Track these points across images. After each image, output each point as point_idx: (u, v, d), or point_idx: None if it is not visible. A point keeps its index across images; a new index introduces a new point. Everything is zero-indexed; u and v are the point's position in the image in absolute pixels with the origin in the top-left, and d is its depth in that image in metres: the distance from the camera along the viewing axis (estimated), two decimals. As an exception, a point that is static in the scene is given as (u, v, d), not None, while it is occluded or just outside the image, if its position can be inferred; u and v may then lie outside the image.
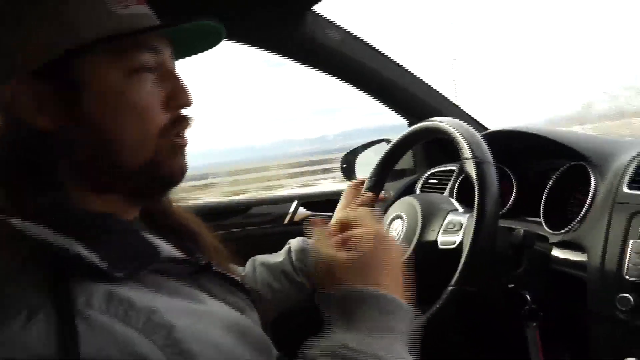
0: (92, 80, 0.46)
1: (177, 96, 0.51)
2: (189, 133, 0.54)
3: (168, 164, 0.51)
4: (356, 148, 1.50)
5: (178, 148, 0.53)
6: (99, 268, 0.40)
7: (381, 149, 1.02)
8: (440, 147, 1.35)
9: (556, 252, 0.78)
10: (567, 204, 0.86)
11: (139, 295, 0.41)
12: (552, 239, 0.80)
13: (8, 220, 0.39)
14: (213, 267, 0.55)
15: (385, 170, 0.99)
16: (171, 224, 0.60)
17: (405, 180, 1.39)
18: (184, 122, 0.53)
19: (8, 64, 0.45)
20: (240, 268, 0.87)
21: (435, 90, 1.30)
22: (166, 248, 0.53)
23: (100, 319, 0.37)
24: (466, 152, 0.73)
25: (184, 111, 0.53)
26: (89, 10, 0.47)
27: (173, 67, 0.53)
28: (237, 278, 0.60)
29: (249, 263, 0.90)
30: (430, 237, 0.77)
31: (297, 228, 1.03)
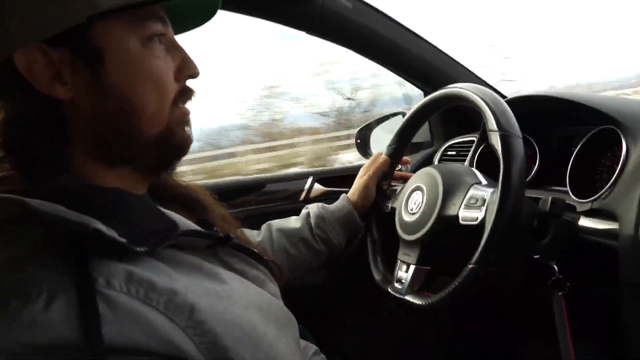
0: (112, 48, 0.46)
1: (185, 67, 0.52)
2: (191, 104, 0.55)
3: (179, 133, 0.52)
4: (370, 122, 1.47)
5: (186, 120, 0.54)
6: (118, 244, 0.40)
7: (397, 123, 0.99)
8: (457, 118, 1.31)
9: (584, 221, 0.75)
10: (594, 171, 0.82)
11: (159, 276, 0.41)
12: (580, 208, 0.77)
13: (24, 200, 0.38)
14: (232, 239, 0.55)
15: (404, 139, 0.96)
16: (179, 197, 0.60)
17: (423, 153, 1.36)
18: (190, 92, 0.54)
19: (26, 28, 0.44)
20: (254, 233, 0.86)
21: (452, 59, 1.25)
22: (183, 221, 0.53)
23: (121, 300, 0.37)
24: (492, 124, 0.69)
25: (189, 82, 0.54)
26: None
27: (176, 40, 0.53)
28: (256, 250, 0.60)
29: (264, 228, 0.90)
30: (451, 211, 0.75)
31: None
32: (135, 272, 0.39)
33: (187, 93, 0.53)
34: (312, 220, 0.90)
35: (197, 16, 0.57)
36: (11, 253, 0.37)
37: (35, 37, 0.44)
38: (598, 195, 0.74)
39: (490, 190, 0.72)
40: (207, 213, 0.62)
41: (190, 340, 0.39)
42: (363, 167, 0.98)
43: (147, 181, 0.55)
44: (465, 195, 0.74)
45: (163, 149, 0.51)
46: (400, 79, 1.30)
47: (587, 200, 0.76)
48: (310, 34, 1.11)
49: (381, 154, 0.99)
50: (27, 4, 0.43)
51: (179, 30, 0.56)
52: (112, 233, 0.40)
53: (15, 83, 0.44)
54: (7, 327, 0.34)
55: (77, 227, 0.38)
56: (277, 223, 0.91)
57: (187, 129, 0.54)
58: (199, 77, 0.54)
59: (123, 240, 0.40)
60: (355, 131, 1.46)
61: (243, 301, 0.48)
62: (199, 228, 0.54)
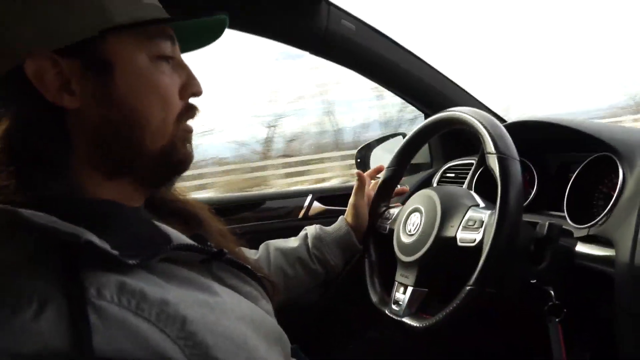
0: (122, 62, 0.48)
1: (190, 85, 0.54)
2: (194, 122, 0.56)
3: (181, 150, 0.53)
4: (370, 142, 1.48)
5: (189, 137, 0.55)
6: (110, 256, 0.39)
7: (397, 144, 1.00)
8: (457, 140, 1.32)
9: (581, 247, 0.75)
10: (592, 197, 0.83)
11: (150, 287, 0.41)
12: (577, 233, 0.77)
13: (16, 210, 0.38)
14: (225, 254, 0.55)
15: (403, 160, 0.97)
16: (176, 211, 0.61)
17: (422, 175, 1.36)
18: (193, 110, 0.55)
19: (39, 36, 0.45)
20: (252, 251, 0.86)
21: (452, 82, 1.27)
22: (176, 235, 0.53)
23: (112, 311, 0.37)
24: (490, 146, 0.70)
25: (192, 100, 0.55)
26: None
27: (182, 59, 0.55)
28: (249, 266, 0.60)
29: (262, 247, 0.90)
30: (449, 233, 0.75)
31: (312, 222, 1.01)
32: (127, 282, 0.39)
33: (191, 111, 0.55)
34: (310, 241, 0.90)
35: (204, 36, 0.59)
36: (1, 261, 0.37)
37: (48, 46, 0.45)
38: (595, 221, 0.74)
39: (488, 212, 0.72)
40: (204, 228, 0.62)
41: (181, 351, 0.39)
42: (356, 186, 0.98)
43: (144, 194, 0.55)
44: (463, 217, 0.74)
45: (164, 163, 0.52)
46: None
47: (584, 226, 0.76)
48: (313, 54, 1.13)
49: (378, 170, 1.00)
50: (44, 14, 0.45)
51: (185, 49, 0.57)
52: (105, 245, 0.40)
53: (22, 90, 0.45)
54: None
55: (69, 237, 0.38)
56: (275, 242, 0.91)
57: (188, 145, 0.55)
58: (202, 95, 0.55)
59: (115, 252, 0.40)
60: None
61: (235, 314, 0.47)
62: (193, 242, 0.54)
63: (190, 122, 0.55)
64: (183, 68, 0.54)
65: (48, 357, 0.34)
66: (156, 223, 0.54)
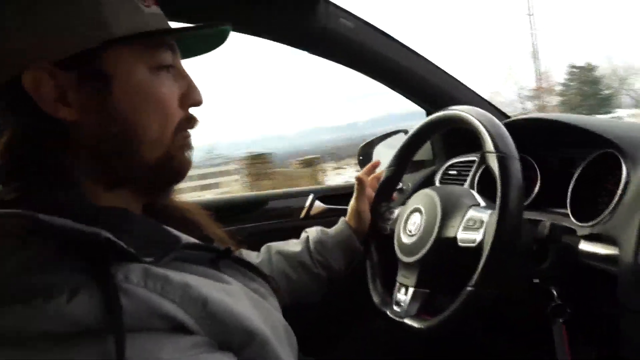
0: (120, 74, 0.47)
1: (190, 95, 0.54)
2: (193, 132, 0.56)
3: (179, 159, 0.53)
4: (373, 139, 1.47)
5: (187, 145, 0.55)
6: (129, 252, 0.41)
7: (399, 140, 0.99)
8: (460, 137, 1.30)
9: (584, 245, 0.74)
10: (595, 194, 0.82)
11: (172, 273, 0.43)
12: (580, 232, 0.76)
13: (34, 214, 0.39)
14: (232, 252, 0.56)
15: (403, 160, 0.96)
16: (175, 217, 0.61)
17: (424, 172, 1.35)
18: (193, 120, 0.55)
19: (37, 48, 0.45)
20: (253, 254, 0.86)
21: (454, 78, 1.26)
22: (185, 237, 0.54)
23: (139, 293, 0.39)
24: (489, 145, 0.69)
25: (192, 110, 0.55)
26: (121, 5, 0.48)
27: (183, 67, 0.55)
28: (256, 265, 0.61)
29: (263, 250, 0.90)
30: (450, 233, 0.74)
31: (314, 222, 1.01)
32: (150, 269, 0.41)
33: (190, 121, 0.55)
34: (312, 245, 0.89)
35: (206, 43, 0.59)
36: (28, 260, 0.38)
37: (46, 58, 0.45)
38: (598, 219, 0.73)
39: (489, 211, 0.71)
40: (203, 232, 0.62)
41: (203, 329, 0.42)
42: (357, 184, 0.98)
43: (141, 202, 0.56)
44: (464, 217, 0.73)
45: (162, 173, 0.52)
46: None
47: (588, 224, 0.75)
48: (312, 53, 1.12)
49: (375, 166, 1.00)
50: (43, 25, 0.45)
51: (186, 56, 0.57)
52: (122, 244, 0.41)
53: (21, 101, 0.45)
54: (28, 320, 0.36)
55: (88, 237, 0.39)
56: (276, 246, 0.91)
57: (187, 153, 0.55)
58: (202, 104, 0.55)
59: (131, 250, 0.41)
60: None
61: (247, 301, 0.50)
62: (201, 242, 0.55)
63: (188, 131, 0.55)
64: (184, 77, 0.54)
65: (80, 336, 0.36)
66: (164, 226, 0.54)
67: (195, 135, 0.57)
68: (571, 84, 14.80)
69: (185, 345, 0.40)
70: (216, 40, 0.58)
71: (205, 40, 0.58)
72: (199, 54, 0.60)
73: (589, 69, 14.66)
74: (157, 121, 0.50)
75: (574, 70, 14.79)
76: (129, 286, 0.39)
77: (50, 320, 0.35)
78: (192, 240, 0.55)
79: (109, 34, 0.46)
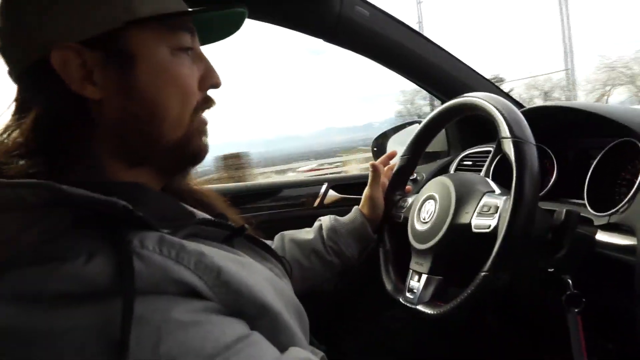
0: (143, 54, 0.49)
1: (209, 77, 0.55)
2: (209, 114, 0.57)
3: (197, 141, 0.55)
4: (387, 131, 1.47)
5: (204, 130, 0.56)
6: (145, 221, 0.42)
7: (413, 132, 0.99)
8: (475, 128, 1.30)
9: (601, 235, 0.73)
10: (613, 184, 0.81)
11: (187, 242, 0.43)
12: (597, 221, 0.75)
13: (53, 184, 0.40)
14: (246, 230, 0.57)
15: (418, 149, 0.95)
16: (193, 198, 0.62)
17: (439, 163, 1.35)
18: (211, 102, 0.56)
19: (64, 28, 0.46)
20: (267, 242, 0.87)
21: (470, 68, 1.25)
22: (199, 212, 0.55)
23: (154, 258, 0.40)
24: (504, 131, 0.69)
25: (210, 92, 0.56)
26: None
27: (201, 51, 0.56)
28: (270, 245, 0.62)
29: (277, 238, 0.91)
30: (464, 219, 0.74)
31: (327, 211, 1.01)
32: (165, 237, 0.42)
33: (208, 102, 0.56)
34: (324, 233, 0.90)
35: (223, 29, 0.60)
36: (46, 228, 0.39)
37: (73, 38, 0.46)
38: (616, 209, 0.72)
39: (504, 197, 0.71)
40: (218, 212, 0.63)
41: (216, 296, 0.42)
42: (371, 172, 0.98)
43: (161, 182, 0.57)
44: (478, 204, 0.73)
45: (180, 154, 0.54)
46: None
47: (605, 214, 0.74)
48: (327, 41, 1.12)
49: (391, 156, 1.00)
50: (70, 7, 0.46)
51: (205, 41, 0.58)
52: (139, 213, 0.42)
53: (48, 81, 0.47)
54: (44, 280, 0.37)
55: (106, 205, 0.40)
56: (290, 234, 0.91)
57: (204, 138, 0.56)
58: (220, 86, 0.56)
59: (149, 219, 0.42)
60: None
61: (261, 275, 0.50)
62: (215, 219, 0.56)
63: (206, 115, 0.56)
64: (202, 60, 0.55)
65: (92, 295, 0.37)
66: (179, 202, 0.56)
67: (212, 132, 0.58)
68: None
69: (197, 308, 0.40)
70: (232, 27, 0.60)
71: (221, 27, 0.59)
72: (216, 40, 0.61)
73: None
74: (177, 100, 0.51)
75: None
76: (145, 252, 0.40)
77: (65, 280, 0.36)
78: (208, 217, 0.56)
79: (132, 15, 0.47)
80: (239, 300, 0.43)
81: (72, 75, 0.46)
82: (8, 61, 0.49)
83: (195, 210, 0.56)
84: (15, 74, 0.49)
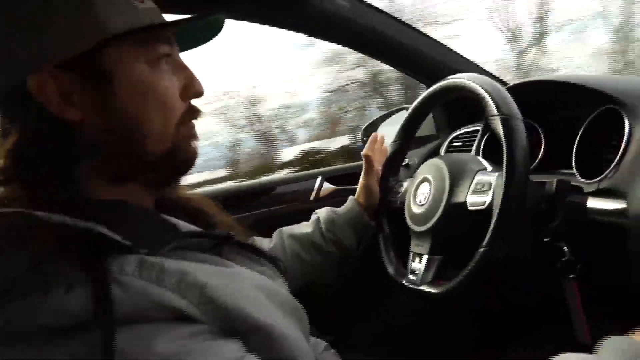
0: (120, 71, 0.48)
1: (191, 86, 0.54)
2: (197, 123, 0.56)
3: (184, 151, 0.54)
4: (375, 119, 1.48)
5: (192, 136, 0.55)
6: (123, 245, 0.41)
7: (402, 118, 1.00)
8: (461, 109, 1.31)
9: (592, 202, 0.75)
10: (600, 151, 0.83)
11: (168, 261, 0.42)
12: (587, 189, 0.77)
13: (30, 212, 0.40)
14: (233, 237, 0.56)
15: (407, 134, 0.97)
16: (184, 208, 0.61)
17: (429, 146, 1.36)
18: (196, 111, 0.55)
19: (38, 54, 0.46)
20: (266, 241, 0.88)
21: (451, 50, 1.26)
22: (184, 226, 0.55)
23: (134, 283, 0.39)
24: (492, 109, 0.70)
25: (194, 102, 0.55)
26: (114, 4, 0.48)
27: (182, 60, 0.55)
28: (260, 247, 0.61)
29: (275, 235, 0.91)
30: (459, 198, 0.76)
31: (324, 204, 1.02)
32: (145, 259, 0.41)
33: (193, 112, 0.55)
34: (322, 225, 0.91)
35: (202, 35, 0.59)
36: (26, 258, 0.38)
37: (48, 62, 0.46)
38: (604, 175, 0.74)
39: (496, 174, 0.73)
40: (211, 221, 0.63)
41: (203, 314, 0.41)
42: (364, 159, 0.99)
43: (152, 196, 0.56)
44: (472, 182, 0.75)
45: (168, 165, 0.53)
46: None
47: (594, 180, 0.76)
48: (309, 35, 1.13)
49: (368, 155, 1.00)
50: (42, 32, 0.45)
51: (183, 48, 0.58)
52: (116, 237, 0.41)
53: (27, 105, 0.46)
54: (26, 315, 0.36)
55: (82, 232, 0.40)
56: (288, 229, 0.92)
57: (193, 143, 0.55)
58: (203, 95, 0.55)
59: (127, 242, 0.42)
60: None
61: (251, 282, 0.49)
62: (200, 230, 0.56)
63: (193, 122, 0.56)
64: (183, 69, 0.54)
65: (73, 329, 0.36)
66: (164, 216, 0.55)
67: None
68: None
69: (184, 334, 0.39)
70: (213, 31, 0.59)
71: (202, 32, 0.59)
72: (196, 46, 0.61)
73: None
74: (159, 115, 0.50)
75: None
76: (124, 277, 0.39)
77: (46, 314, 0.36)
78: (193, 228, 0.55)
79: (104, 33, 0.46)
80: (227, 315, 0.42)
81: (50, 99, 0.46)
82: None
83: (180, 222, 0.55)
84: None
